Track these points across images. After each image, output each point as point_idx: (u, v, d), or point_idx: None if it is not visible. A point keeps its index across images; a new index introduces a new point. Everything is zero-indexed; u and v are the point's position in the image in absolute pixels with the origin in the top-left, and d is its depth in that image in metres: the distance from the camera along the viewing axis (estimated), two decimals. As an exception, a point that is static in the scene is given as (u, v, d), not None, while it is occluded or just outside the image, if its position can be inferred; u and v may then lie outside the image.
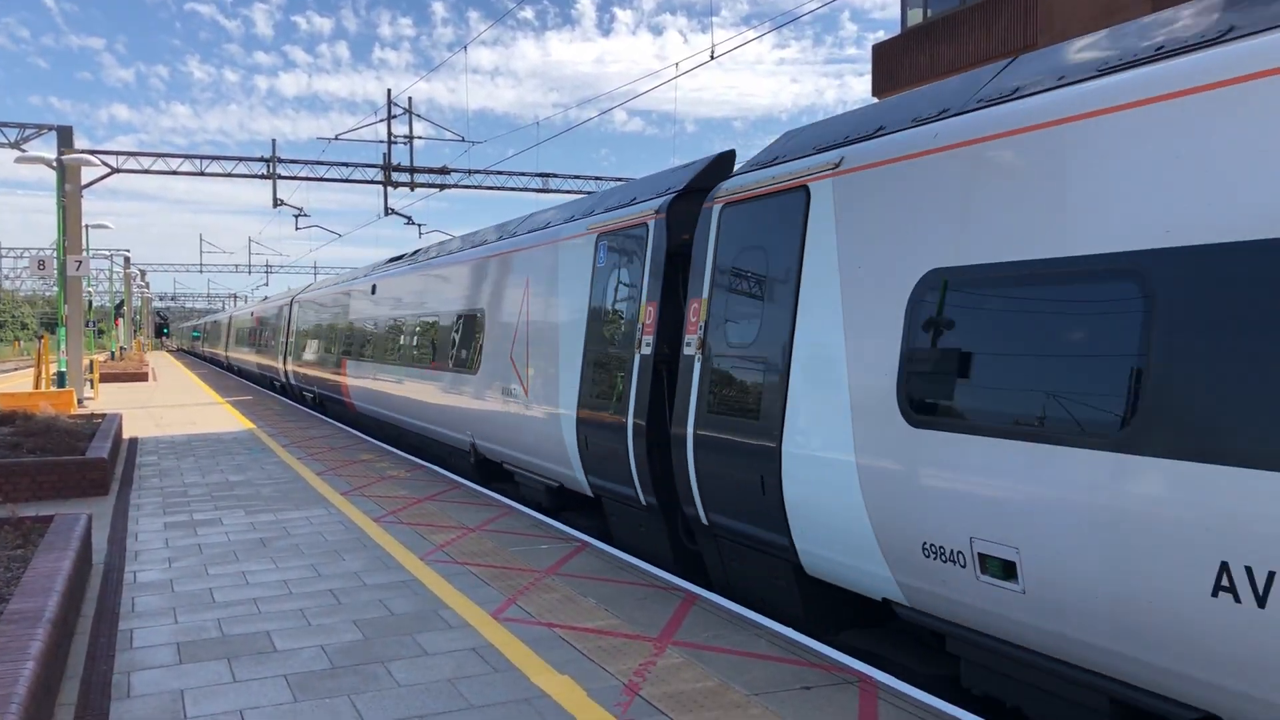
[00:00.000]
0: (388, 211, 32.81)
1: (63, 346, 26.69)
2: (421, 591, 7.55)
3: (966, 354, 5.32)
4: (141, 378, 39.80)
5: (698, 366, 7.75)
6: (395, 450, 16.27)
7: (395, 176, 31.87)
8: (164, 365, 59.26)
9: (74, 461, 12.01)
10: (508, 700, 5.32)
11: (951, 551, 5.31)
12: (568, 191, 35.12)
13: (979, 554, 5.16)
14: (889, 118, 6.52)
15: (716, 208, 7.90)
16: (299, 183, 32.42)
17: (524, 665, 5.86)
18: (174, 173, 30.78)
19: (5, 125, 27.63)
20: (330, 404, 24.45)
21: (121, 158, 30.09)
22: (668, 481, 8.57)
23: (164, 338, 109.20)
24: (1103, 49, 5.28)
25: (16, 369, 60.62)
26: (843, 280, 6.33)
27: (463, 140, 31.65)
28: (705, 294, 7.85)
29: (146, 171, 30.41)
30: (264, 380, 37.04)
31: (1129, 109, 4.71)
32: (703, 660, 5.93)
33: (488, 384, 12.66)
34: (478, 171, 33.57)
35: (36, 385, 24.74)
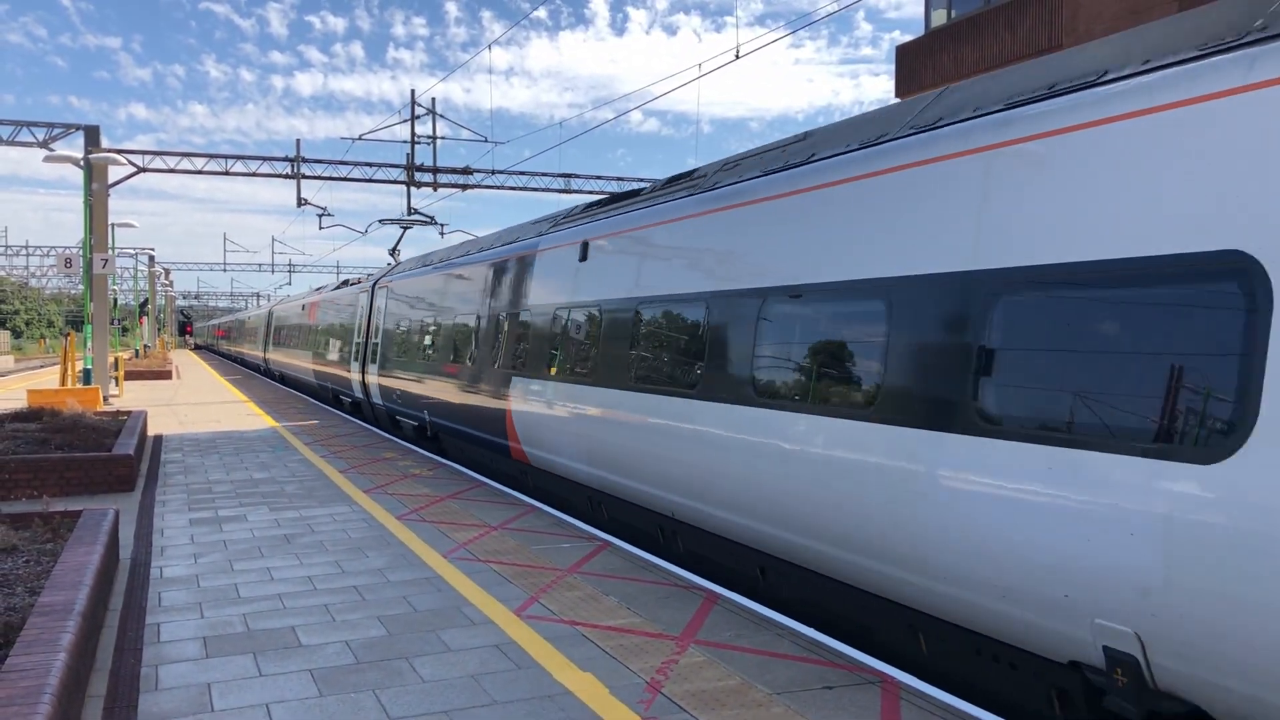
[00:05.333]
0: (410, 211, 32.95)
1: (89, 344, 26.95)
2: (444, 588, 7.59)
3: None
4: (165, 375, 40.14)
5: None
6: (417, 449, 16.35)
7: (418, 177, 32.03)
8: (187, 363, 59.71)
9: (100, 458, 12.14)
10: (531, 697, 5.35)
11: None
12: (589, 192, 35.20)
13: None
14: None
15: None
16: (321, 182, 32.66)
17: (547, 662, 5.89)
18: (199, 172, 31.05)
19: (33, 125, 27.95)
20: (251, 364, 49.93)
21: (147, 157, 30.37)
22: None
23: (187, 335, 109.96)
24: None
25: (43, 366, 61.21)
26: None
27: (485, 141, 31.78)
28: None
29: (172, 171, 30.67)
30: (237, 358, 64.47)
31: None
32: (725, 659, 5.94)
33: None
34: (500, 172, 33.68)
35: (63, 382, 24.96)
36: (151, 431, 19.35)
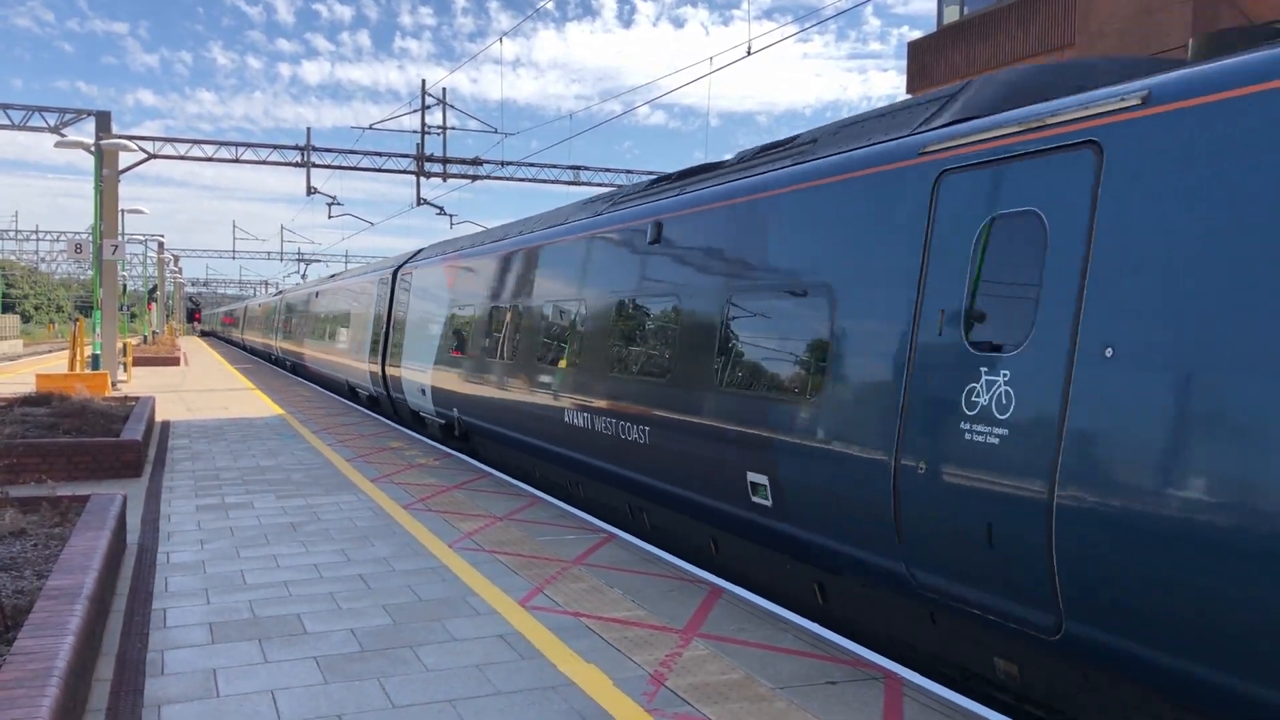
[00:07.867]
0: (420, 202, 32.97)
1: (97, 329, 27.03)
2: (450, 578, 7.62)
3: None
4: (173, 362, 40.26)
5: None
6: (424, 439, 16.39)
7: (428, 167, 32.04)
8: (195, 349, 59.87)
9: (109, 443, 12.19)
10: (535, 687, 5.37)
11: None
12: (598, 184, 35.17)
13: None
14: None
15: None
16: (330, 171, 32.66)
17: (551, 653, 5.91)
18: (210, 159, 31.07)
19: (45, 110, 27.98)
20: (235, 342, 73.64)
21: (158, 143, 30.40)
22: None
23: (195, 322, 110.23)
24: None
25: (51, 351, 61.43)
26: None
27: (495, 131, 31.75)
28: None
29: (184, 158, 30.70)
30: (227, 338, 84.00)
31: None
32: (728, 653, 5.96)
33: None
34: (510, 163, 33.64)
35: (72, 367, 25.05)
36: (159, 417, 19.43)
